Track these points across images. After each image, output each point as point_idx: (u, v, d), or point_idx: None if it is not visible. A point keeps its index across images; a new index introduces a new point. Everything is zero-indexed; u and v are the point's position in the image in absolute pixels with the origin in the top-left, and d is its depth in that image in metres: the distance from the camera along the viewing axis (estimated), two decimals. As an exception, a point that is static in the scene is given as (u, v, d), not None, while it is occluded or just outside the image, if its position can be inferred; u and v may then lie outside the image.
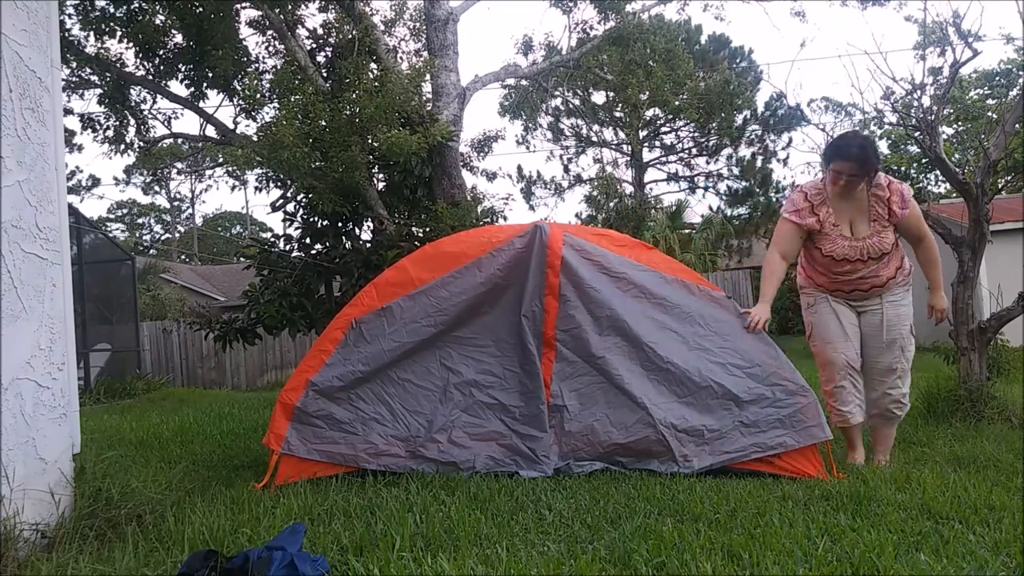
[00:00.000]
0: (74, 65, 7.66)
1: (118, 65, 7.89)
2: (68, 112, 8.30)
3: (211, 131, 8.28)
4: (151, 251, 36.89)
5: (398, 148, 5.76)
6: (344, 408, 3.33)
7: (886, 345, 3.43)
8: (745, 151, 19.73)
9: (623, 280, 3.42)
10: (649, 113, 19.01)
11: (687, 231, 16.03)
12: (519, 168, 23.39)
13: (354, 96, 6.03)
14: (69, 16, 7.24)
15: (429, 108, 7.18)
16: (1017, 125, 5.03)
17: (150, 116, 8.71)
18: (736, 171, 19.58)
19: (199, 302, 18.15)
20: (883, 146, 27.61)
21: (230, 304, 18.81)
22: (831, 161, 3.34)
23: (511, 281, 3.43)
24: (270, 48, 7.91)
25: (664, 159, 21.50)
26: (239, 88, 7.60)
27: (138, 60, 7.55)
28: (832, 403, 3.49)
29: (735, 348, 3.30)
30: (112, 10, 7.18)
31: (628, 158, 21.11)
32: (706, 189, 20.75)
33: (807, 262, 3.60)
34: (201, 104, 7.79)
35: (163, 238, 41.20)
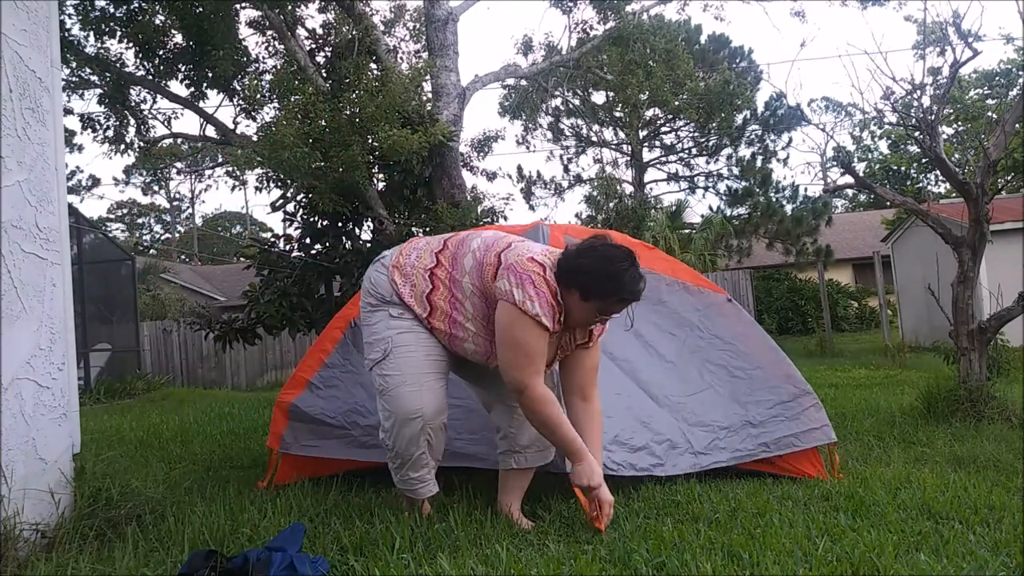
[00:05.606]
0: (74, 65, 7.67)
1: (118, 65, 7.91)
2: (68, 112, 8.31)
3: (211, 131, 8.29)
4: (151, 251, 36.87)
5: (399, 148, 5.76)
6: (344, 408, 3.32)
7: None
8: (745, 151, 19.70)
9: (623, 280, 3.41)
10: (649, 113, 18.98)
11: (687, 231, 16.02)
12: (519, 168, 23.37)
13: (354, 96, 6.04)
14: (69, 16, 7.25)
15: (429, 108, 7.18)
16: (1017, 125, 5.03)
17: (150, 116, 8.73)
18: (736, 171, 19.55)
19: (199, 302, 18.17)
20: (883, 146, 27.65)
21: (230, 304, 18.82)
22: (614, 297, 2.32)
23: (511, 281, 3.42)
24: (270, 48, 7.93)
25: (664, 159, 21.48)
26: (239, 88, 7.62)
27: (138, 60, 7.56)
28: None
29: (737, 350, 3.29)
30: (112, 10, 7.20)
31: (628, 158, 21.09)
32: (706, 189, 20.72)
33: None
34: (201, 104, 7.80)
35: (163, 238, 41.19)
